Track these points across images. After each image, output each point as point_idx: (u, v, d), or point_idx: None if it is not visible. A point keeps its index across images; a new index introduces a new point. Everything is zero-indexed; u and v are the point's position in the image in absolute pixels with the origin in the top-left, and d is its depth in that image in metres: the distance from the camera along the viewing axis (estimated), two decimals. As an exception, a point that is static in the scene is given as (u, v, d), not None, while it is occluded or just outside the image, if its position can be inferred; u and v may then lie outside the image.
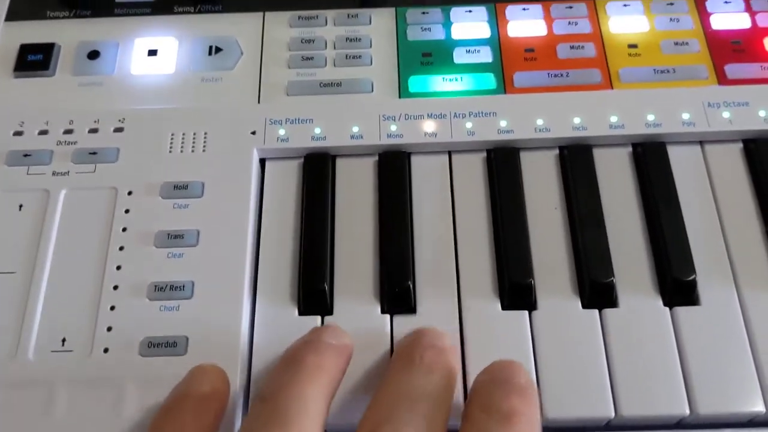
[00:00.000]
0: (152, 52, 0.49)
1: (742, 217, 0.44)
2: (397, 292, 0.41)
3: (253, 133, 0.46)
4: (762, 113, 0.46)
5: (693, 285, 0.41)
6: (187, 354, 0.40)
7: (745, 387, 0.39)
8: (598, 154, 0.46)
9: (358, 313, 0.41)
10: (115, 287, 0.42)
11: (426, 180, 0.46)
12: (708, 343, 0.40)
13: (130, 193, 0.44)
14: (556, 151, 0.47)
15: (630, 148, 0.47)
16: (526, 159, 0.46)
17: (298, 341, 0.38)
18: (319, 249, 0.43)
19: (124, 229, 0.43)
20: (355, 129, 0.46)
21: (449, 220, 0.45)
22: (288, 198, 0.46)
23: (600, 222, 0.43)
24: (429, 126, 0.46)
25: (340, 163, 0.47)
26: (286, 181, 0.46)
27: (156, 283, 0.42)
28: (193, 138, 0.46)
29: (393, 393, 0.35)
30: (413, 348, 0.37)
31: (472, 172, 0.46)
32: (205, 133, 0.46)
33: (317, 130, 0.46)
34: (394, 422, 0.33)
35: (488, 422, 0.33)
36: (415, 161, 0.47)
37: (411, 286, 0.41)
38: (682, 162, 0.46)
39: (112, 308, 0.41)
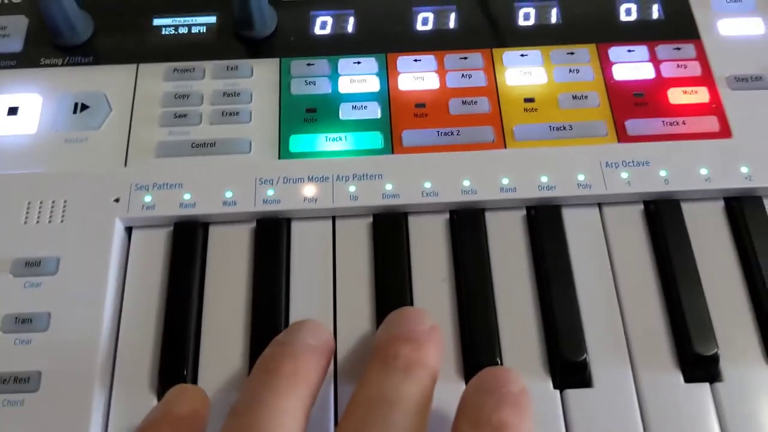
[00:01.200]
0: (12, 110, 0.46)
1: (640, 284, 0.41)
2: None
3: (117, 200, 0.43)
4: (663, 173, 0.43)
5: (584, 366, 0.38)
6: (29, 455, 0.36)
7: None
8: (490, 217, 0.43)
9: (227, 400, 0.38)
10: (-45, 375, 0.38)
11: (306, 246, 0.43)
12: (600, 427, 0.37)
13: (-22, 269, 0.40)
14: (446, 216, 0.43)
15: (524, 211, 0.43)
16: (414, 224, 0.43)
17: (275, 342, 0.35)
18: (180, 332, 0.39)
19: (-31, 311, 0.39)
20: (229, 194, 0.43)
21: (329, 288, 0.41)
22: (154, 270, 0.42)
23: (487, 296, 0.40)
24: (309, 190, 0.43)
25: (213, 231, 0.43)
26: (153, 252, 0.43)
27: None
28: (51, 207, 0.43)
29: (366, 399, 0.32)
30: (389, 343, 0.34)
31: (357, 238, 0.43)
32: (65, 202, 0.43)
33: (186, 196, 0.43)
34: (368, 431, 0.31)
35: None
36: (296, 227, 0.43)
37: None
38: (578, 225, 0.43)
39: (-51, 399, 0.37)
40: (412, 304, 0.41)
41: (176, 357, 0.39)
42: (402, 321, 0.36)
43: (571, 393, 0.38)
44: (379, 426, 0.31)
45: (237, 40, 0.49)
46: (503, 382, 0.32)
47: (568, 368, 0.38)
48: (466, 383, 0.38)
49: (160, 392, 0.38)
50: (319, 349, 0.35)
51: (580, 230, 0.43)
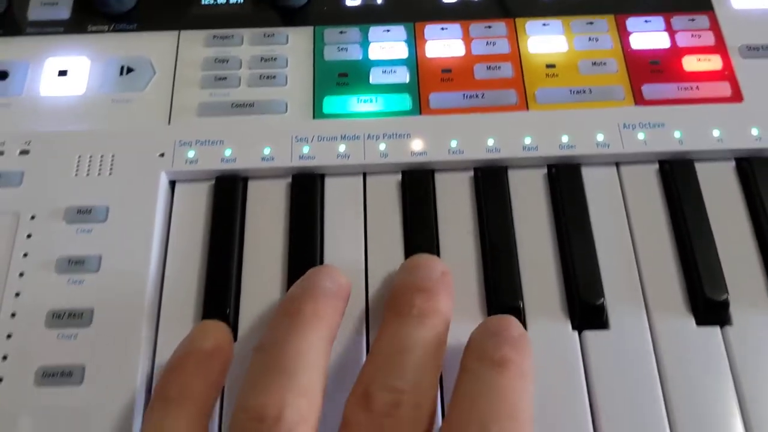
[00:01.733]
0: (62, 73, 0.48)
1: (655, 237, 0.44)
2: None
3: (162, 155, 0.45)
4: (677, 134, 0.45)
5: (601, 308, 0.41)
6: (83, 384, 0.39)
7: (653, 414, 0.38)
8: (513, 175, 0.46)
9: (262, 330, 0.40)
10: (13, 315, 0.40)
11: (339, 200, 0.45)
12: (615, 366, 0.40)
13: (33, 217, 0.43)
14: (471, 173, 0.46)
15: (545, 170, 0.46)
16: (441, 181, 0.46)
17: (295, 286, 0.38)
18: (223, 274, 0.42)
19: (25, 255, 0.42)
20: (267, 151, 0.45)
21: (360, 239, 0.44)
22: (197, 221, 0.45)
23: (510, 246, 0.42)
24: (342, 148, 0.45)
25: (252, 186, 0.46)
26: (195, 204, 0.45)
27: (55, 310, 0.40)
28: (100, 161, 0.45)
29: (384, 348, 0.35)
30: (403, 296, 0.37)
31: (386, 193, 0.45)
32: (113, 156, 0.45)
33: (227, 152, 0.45)
34: (384, 378, 0.34)
35: (480, 369, 0.34)
36: (329, 183, 0.46)
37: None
38: (597, 183, 0.45)
39: (9, 336, 0.40)
40: (438, 255, 0.43)
41: (219, 298, 0.41)
42: (414, 269, 0.39)
43: (589, 334, 0.40)
44: (398, 370, 0.34)
45: (273, 10, 0.51)
46: (505, 326, 0.36)
47: (586, 310, 0.41)
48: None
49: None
50: (336, 292, 0.38)
51: (598, 187, 0.45)
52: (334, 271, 0.39)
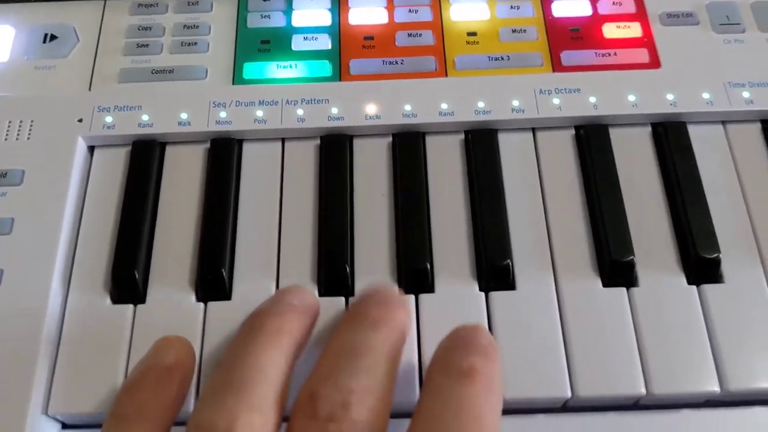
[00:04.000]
0: (-14, 40, 0.49)
1: (566, 201, 0.44)
2: (209, 279, 0.41)
3: (80, 120, 0.46)
4: (593, 99, 0.46)
5: (507, 269, 0.41)
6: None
7: (557, 373, 0.39)
8: (431, 141, 0.46)
9: (172, 301, 0.41)
10: None
11: (257, 165, 0.45)
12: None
13: (-51, 181, 0.43)
14: (389, 139, 0.46)
15: (462, 136, 0.46)
16: (359, 146, 0.46)
17: (261, 305, 0.37)
18: (133, 239, 0.42)
19: (-62, 218, 0.42)
20: (184, 116, 0.46)
21: (276, 208, 0.44)
22: (113, 186, 0.45)
23: (421, 209, 0.43)
24: (259, 113, 0.45)
25: (170, 151, 0.46)
26: (113, 169, 0.45)
27: (-36, 269, 0.41)
28: (19, 126, 0.45)
29: (335, 350, 0.34)
30: (359, 306, 0.36)
31: (305, 158, 0.46)
32: (31, 122, 0.46)
33: (145, 117, 0.46)
34: (334, 377, 0.32)
35: (446, 382, 0.32)
36: (247, 148, 0.46)
37: (223, 273, 0.41)
38: (512, 148, 0.46)
39: None
40: (351, 217, 0.43)
41: (127, 262, 0.41)
42: (373, 291, 0.38)
43: (496, 295, 0.41)
44: (350, 372, 0.32)
45: (199, -22, 0.52)
46: (472, 336, 0.34)
47: (493, 271, 0.41)
48: (400, 286, 0.41)
49: (113, 292, 0.41)
50: (303, 309, 0.37)
51: (513, 152, 0.45)
52: (302, 290, 0.38)
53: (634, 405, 0.39)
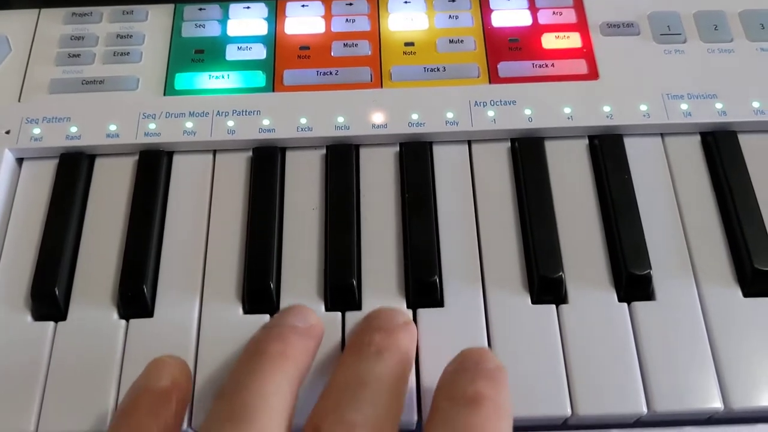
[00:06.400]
0: None
1: (499, 213, 0.43)
2: (130, 296, 0.40)
3: (7, 132, 0.45)
4: (528, 111, 0.45)
5: (434, 285, 0.40)
6: None
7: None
8: (365, 153, 0.45)
9: (94, 319, 0.40)
10: None
11: (186, 178, 0.45)
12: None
13: None
14: (323, 151, 0.45)
15: (397, 148, 0.45)
16: (292, 158, 0.45)
17: (263, 328, 0.36)
18: (54, 254, 0.41)
19: None
20: (112, 127, 0.45)
21: (204, 221, 0.43)
22: (40, 199, 0.44)
23: (350, 222, 0.42)
24: (189, 124, 0.45)
25: (99, 163, 0.45)
26: (41, 182, 0.45)
27: None
28: (-54, 138, 0.45)
29: (340, 382, 0.33)
30: (362, 334, 0.36)
31: (236, 170, 0.45)
32: (-42, 133, 0.45)
33: (73, 129, 0.45)
34: (340, 411, 0.32)
35: (453, 409, 0.31)
36: (177, 160, 0.45)
37: (144, 289, 0.40)
38: (447, 159, 0.45)
39: None
40: (281, 230, 0.43)
41: (48, 278, 0.41)
42: (376, 315, 0.37)
43: (423, 312, 0.40)
44: (353, 405, 0.32)
45: (136, -14, 0.51)
46: (478, 360, 0.34)
47: (421, 288, 0.40)
48: (325, 303, 0.40)
49: (32, 307, 0.40)
50: (306, 332, 0.36)
51: (448, 165, 0.45)
52: (305, 311, 0.37)
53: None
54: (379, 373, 0.33)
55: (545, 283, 0.40)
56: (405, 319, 0.37)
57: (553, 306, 0.40)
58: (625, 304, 0.40)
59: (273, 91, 0.46)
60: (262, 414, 0.31)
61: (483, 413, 0.31)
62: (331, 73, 0.47)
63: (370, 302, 0.40)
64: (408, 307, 0.41)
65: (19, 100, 0.46)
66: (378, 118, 0.45)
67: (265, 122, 0.45)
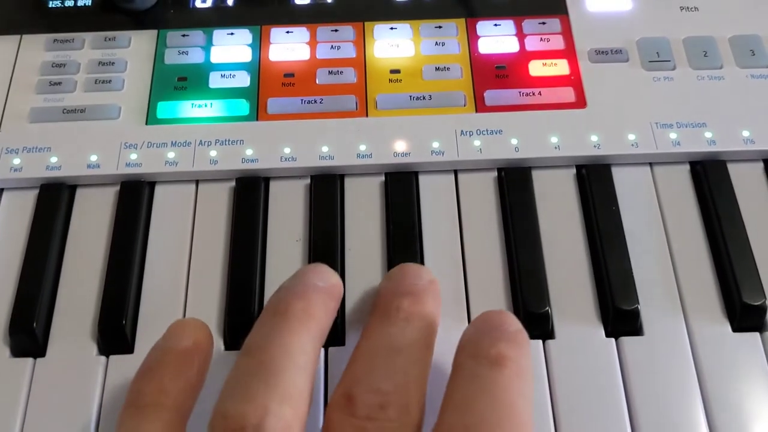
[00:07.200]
0: None
1: (487, 245, 0.43)
2: (109, 332, 0.40)
3: (-13, 162, 0.44)
4: (514, 141, 0.44)
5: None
6: None
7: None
8: (349, 183, 0.45)
9: (73, 355, 0.40)
10: None
11: (168, 209, 0.44)
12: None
13: None
14: (307, 181, 0.45)
15: (383, 178, 0.45)
16: (274, 189, 0.45)
17: (283, 285, 0.36)
18: (33, 287, 0.41)
19: None
20: (93, 158, 0.44)
21: (185, 253, 0.43)
22: (20, 230, 0.44)
23: (334, 255, 0.41)
24: (171, 154, 0.44)
25: (80, 194, 0.45)
26: (20, 213, 0.44)
27: None
28: (-77, 168, 0.44)
29: (369, 349, 0.34)
30: (390, 298, 0.35)
31: (218, 201, 0.44)
32: (-64, 163, 0.44)
33: (53, 159, 0.44)
34: (369, 379, 0.32)
35: (476, 368, 0.32)
36: (159, 191, 0.45)
37: (125, 325, 0.40)
38: (432, 189, 0.45)
39: None
40: (264, 262, 0.42)
41: (26, 313, 0.40)
42: (402, 276, 0.37)
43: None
44: (384, 372, 0.32)
45: (119, 13, 0.50)
46: (501, 321, 0.34)
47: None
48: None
49: (10, 343, 0.40)
50: (327, 290, 0.36)
51: (434, 194, 0.44)
52: (325, 270, 0.37)
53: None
54: (408, 340, 0.33)
55: (532, 318, 0.40)
56: (430, 278, 0.37)
57: (540, 341, 0.40)
58: (613, 340, 0.40)
59: (257, 119, 0.46)
60: (288, 370, 0.31)
61: (506, 373, 0.31)
62: (315, 102, 0.46)
63: (354, 336, 0.40)
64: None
65: (-1, 129, 0.45)
66: (363, 147, 0.44)
67: (249, 152, 0.44)
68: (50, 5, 0.51)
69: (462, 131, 0.45)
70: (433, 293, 0.37)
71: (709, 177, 0.44)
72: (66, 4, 0.51)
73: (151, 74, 0.48)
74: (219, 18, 0.50)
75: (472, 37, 0.49)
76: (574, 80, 0.47)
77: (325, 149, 0.44)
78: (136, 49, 0.49)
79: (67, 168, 0.44)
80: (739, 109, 0.46)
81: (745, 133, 0.45)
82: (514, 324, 0.34)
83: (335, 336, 0.40)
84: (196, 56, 0.48)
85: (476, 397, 0.31)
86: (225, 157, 0.44)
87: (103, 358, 0.40)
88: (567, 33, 0.49)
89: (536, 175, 0.45)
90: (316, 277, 0.36)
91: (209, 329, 0.35)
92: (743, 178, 0.44)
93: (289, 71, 0.47)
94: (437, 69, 0.47)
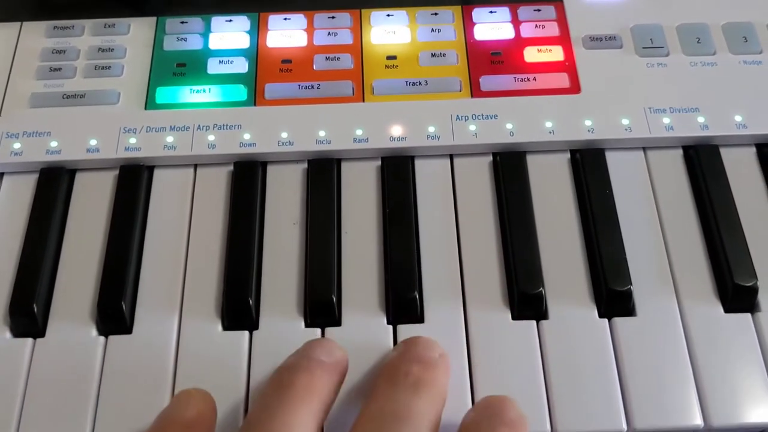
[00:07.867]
0: None
1: (481, 229, 0.43)
2: (108, 313, 0.40)
3: (-12, 147, 0.45)
4: (509, 126, 0.45)
5: (414, 301, 0.40)
6: None
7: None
8: (347, 167, 0.45)
9: (72, 335, 0.40)
10: None
11: (167, 194, 0.44)
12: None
13: None
14: (305, 165, 0.45)
15: (379, 162, 0.45)
16: (273, 172, 0.45)
17: (289, 359, 0.36)
18: (33, 269, 0.41)
19: None
20: (93, 142, 0.45)
21: (184, 236, 0.43)
22: (20, 214, 0.44)
23: (328, 240, 0.42)
24: (170, 139, 0.45)
25: (79, 178, 0.45)
26: (21, 197, 0.45)
27: None
28: (-76, 154, 0.44)
29: (377, 413, 0.33)
30: (399, 363, 0.35)
31: (216, 185, 0.45)
32: (-60, 150, 0.44)
33: (53, 144, 0.45)
34: None
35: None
36: (158, 175, 0.45)
37: (123, 306, 0.40)
38: (429, 173, 0.45)
39: None
40: (261, 245, 0.42)
41: (26, 295, 0.40)
42: (413, 345, 0.37)
43: (403, 328, 0.40)
44: None
45: (119, 0, 0.51)
46: (501, 409, 0.34)
47: (401, 304, 0.40)
48: (304, 319, 0.40)
49: (11, 323, 0.40)
50: (332, 366, 0.35)
51: (430, 178, 0.45)
52: (330, 344, 0.37)
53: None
54: (417, 408, 0.33)
55: (525, 299, 0.40)
56: (441, 352, 0.37)
57: (534, 322, 0.40)
58: (606, 320, 0.40)
59: (254, 104, 0.46)
60: None
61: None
62: (312, 87, 0.46)
63: (350, 318, 0.40)
64: (388, 323, 0.40)
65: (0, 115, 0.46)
66: (359, 132, 0.45)
67: (246, 136, 0.45)
68: (50, -7, 0.51)
69: (457, 116, 0.45)
70: (444, 366, 0.36)
71: (702, 161, 0.44)
72: (66, -8, 0.51)
73: (150, 60, 0.48)
74: (217, 5, 0.50)
75: (467, 24, 0.49)
76: (568, 66, 0.47)
77: (322, 134, 0.45)
78: (135, 35, 0.49)
79: (66, 152, 0.45)
80: (731, 94, 0.46)
81: (738, 118, 0.45)
82: (516, 410, 0.34)
83: (332, 317, 0.40)
84: (194, 43, 0.49)
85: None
86: (223, 142, 0.45)
87: (101, 339, 0.40)
88: (562, 20, 0.49)
89: (531, 159, 0.45)
90: (322, 352, 0.36)
91: (214, 401, 0.35)
92: (735, 162, 0.45)
93: (286, 57, 0.48)
94: (433, 55, 0.48)
